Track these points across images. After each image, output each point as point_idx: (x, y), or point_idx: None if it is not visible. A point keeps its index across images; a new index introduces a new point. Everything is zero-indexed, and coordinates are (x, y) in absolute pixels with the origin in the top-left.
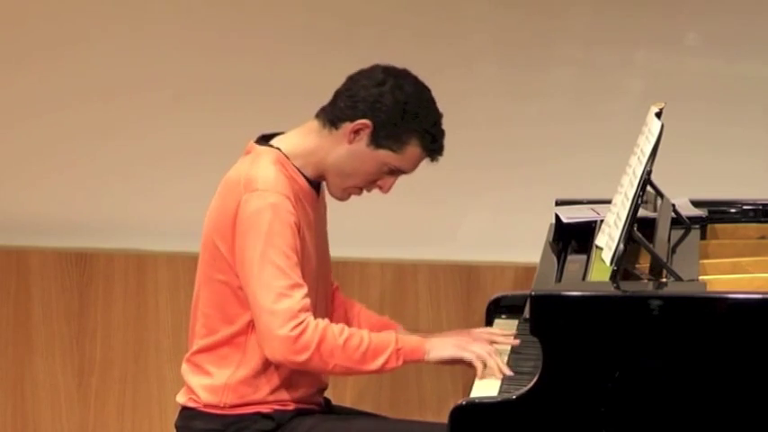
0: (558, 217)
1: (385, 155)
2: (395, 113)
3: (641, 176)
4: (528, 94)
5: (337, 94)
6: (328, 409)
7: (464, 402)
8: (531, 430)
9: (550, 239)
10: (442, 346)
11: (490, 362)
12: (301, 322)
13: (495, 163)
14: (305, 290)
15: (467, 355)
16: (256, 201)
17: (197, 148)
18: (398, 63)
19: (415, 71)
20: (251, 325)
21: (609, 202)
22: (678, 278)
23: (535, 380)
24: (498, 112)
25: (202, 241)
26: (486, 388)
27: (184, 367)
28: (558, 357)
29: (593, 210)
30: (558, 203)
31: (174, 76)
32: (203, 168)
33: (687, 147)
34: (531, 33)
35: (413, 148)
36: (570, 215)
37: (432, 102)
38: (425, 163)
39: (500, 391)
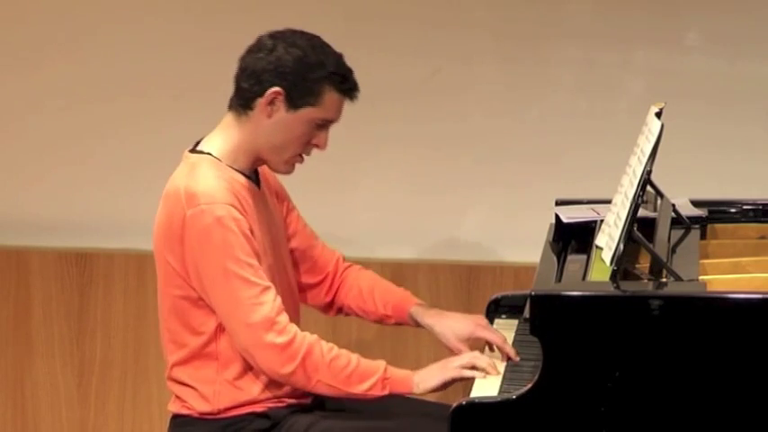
0: (558, 217)
1: (307, 113)
2: (299, 70)
3: (641, 176)
4: (529, 94)
5: (237, 79)
6: (320, 401)
7: (464, 402)
8: (531, 430)
9: (550, 239)
10: (428, 377)
11: (480, 362)
12: (284, 328)
13: (495, 163)
14: (273, 290)
15: (451, 374)
16: (202, 217)
17: None
18: (398, 60)
19: (414, 68)
20: (217, 331)
21: (609, 201)
22: (678, 278)
23: (535, 380)
24: (498, 111)
25: (155, 258)
26: (486, 388)
27: (169, 384)
28: (558, 357)
29: (593, 210)
30: (558, 203)
31: (174, 76)
32: None
33: (687, 147)
34: (531, 32)
35: (329, 95)
36: (570, 215)
37: (327, 46)
38: (425, 163)
39: (500, 391)
